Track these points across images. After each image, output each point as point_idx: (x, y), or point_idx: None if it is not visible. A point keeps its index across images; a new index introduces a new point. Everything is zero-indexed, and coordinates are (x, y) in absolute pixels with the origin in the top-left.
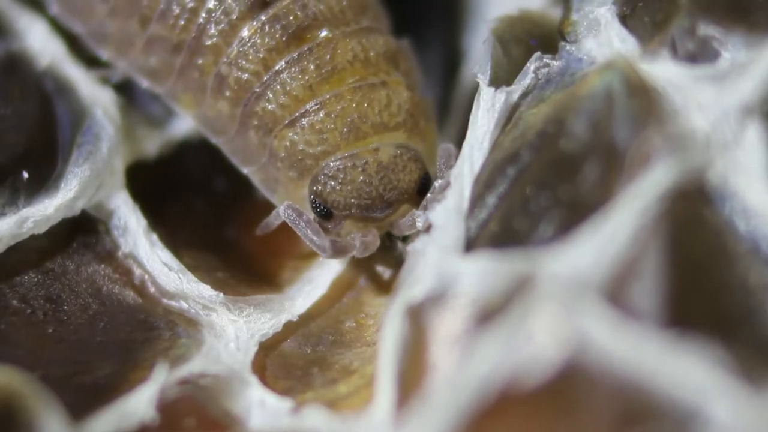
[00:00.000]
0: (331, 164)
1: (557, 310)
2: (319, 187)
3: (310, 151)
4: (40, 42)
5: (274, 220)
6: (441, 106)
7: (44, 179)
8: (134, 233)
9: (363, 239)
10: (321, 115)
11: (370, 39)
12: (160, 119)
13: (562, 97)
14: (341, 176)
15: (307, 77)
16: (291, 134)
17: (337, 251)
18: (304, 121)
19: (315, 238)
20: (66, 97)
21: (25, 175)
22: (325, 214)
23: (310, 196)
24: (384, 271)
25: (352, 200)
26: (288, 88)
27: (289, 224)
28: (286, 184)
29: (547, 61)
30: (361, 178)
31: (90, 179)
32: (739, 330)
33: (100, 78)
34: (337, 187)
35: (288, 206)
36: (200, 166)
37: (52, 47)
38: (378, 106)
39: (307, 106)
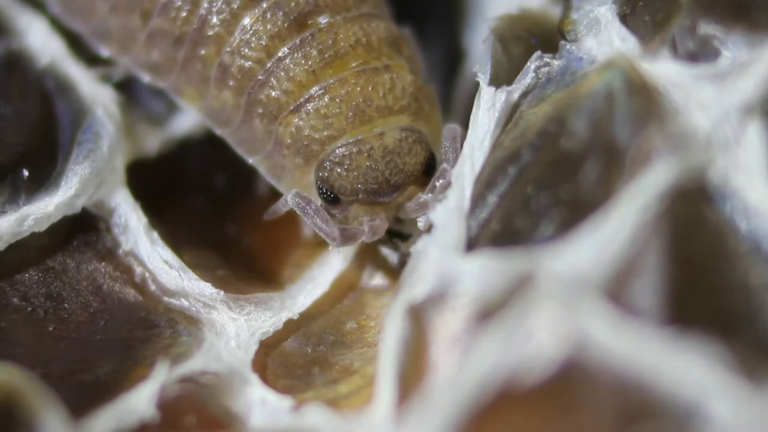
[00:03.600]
0: (337, 151)
1: (557, 308)
2: (326, 174)
3: (316, 136)
4: (41, 41)
5: (281, 207)
6: (442, 105)
7: (45, 177)
8: (135, 231)
9: (371, 223)
10: (326, 99)
11: (372, 24)
12: (161, 117)
13: (563, 96)
14: (347, 162)
15: (310, 63)
16: (296, 120)
17: (346, 239)
18: (309, 107)
19: (324, 226)
20: (66, 96)
21: (26, 173)
22: (332, 199)
23: (316, 182)
24: (386, 272)
25: (359, 185)
26: (291, 74)
27: (298, 212)
28: (293, 171)
29: (548, 60)
30: (367, 163)
31: (90, 177)
32: (739, 328)
33: (100, 76)
34: (344, 174)
35: (296, 194)
36: (201, 164)
37: (52, 46)
38: (382, 89)
39: (311, 92)
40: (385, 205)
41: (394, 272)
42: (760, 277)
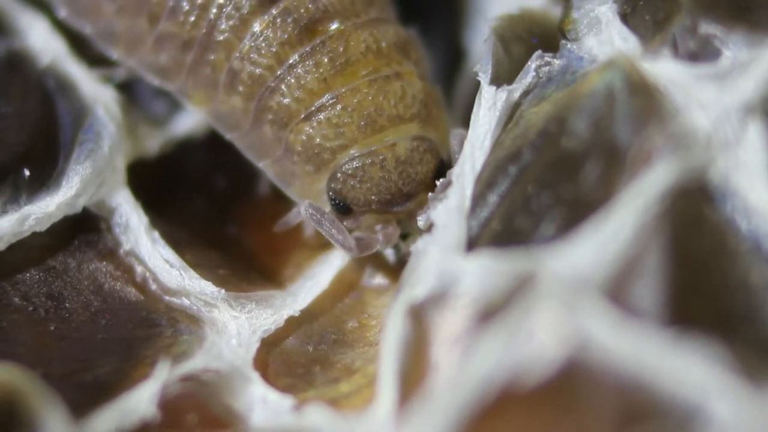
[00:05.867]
0: (350, 163)
1: (558, 309)
2: (339, 186)
3: (328, 145)
4: (42, 40)
5: (294, 217)
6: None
7: (46, 177)
8: (136, 231)
9: (384, 231)
10: (338, 108)
11: (381, 29)
12: (162, 117)
13: (564, 96)
14: (360, 174)
15: (321, 70)
16: (308, 128)
17: (362, 249)
18: (321, 116)
19: (340, 237)
20: (67, 96)
21: (27, 173)
22: (344, 210)
23: (328, 193)
24: (387, 272)
25: (372, 197)
26: (303, 82)
27: (313, 223)
28: (303, 178)
29: (548, 59)
30: (380, 174)
31: (91, 177)
32: (740, 329)
33: (102, 77)
34: (357, 185)
35: (310, 205)
36: (201, 164)
37: (53, 46)
38: (393, 98)
39: (323, 100)
40: (397, 214)
41: (395, 271)
42: (760, 276)
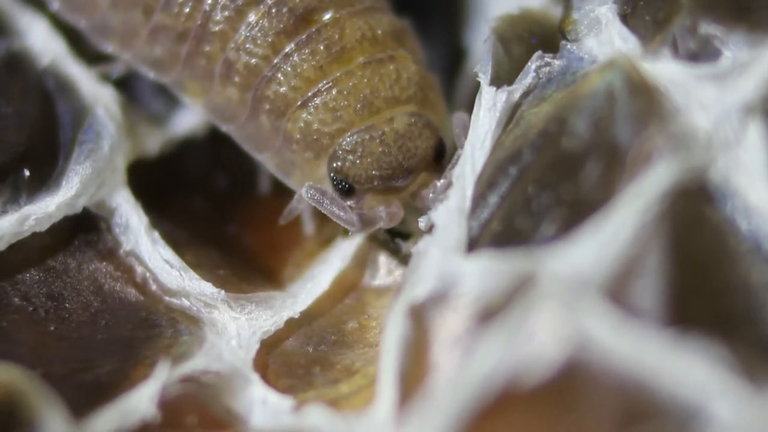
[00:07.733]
0: (348, 139)
1: (559, 309)
2: (339, 163)
3: (326, 129)
4: (41, 41)
5: (297, 204)
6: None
7: (46, 177)
8: (136, 231)
9: (388, 210)
10: (333, 93)
11: (376, 17)
12: (162, 117)
13: (564, 96)
14: (360, 150)
15: (317, 58)
16: (305, 115)
17: (365, 223)
18: (317, 101)
19: (341, 213)
20: (67, 96)
21: (27, 173)
22: (346, 190)
23: (330, 174)
24: (387, 272)
25: (374, 172)
26: (299, 70)
27: (314, 204)
28: (303, 166)
29: (549, 60)
30: (380, 149)
31: (91, 177)
32: (740, 329)
33: (100, 75)
34: (357, 161)
35: (310, 186)
36: (201, 163)
37: (53, 46)
38: (388, 80)
39: (319, 86)
40: (399, 194)
41: (396, 272)
42: (760, 276)
